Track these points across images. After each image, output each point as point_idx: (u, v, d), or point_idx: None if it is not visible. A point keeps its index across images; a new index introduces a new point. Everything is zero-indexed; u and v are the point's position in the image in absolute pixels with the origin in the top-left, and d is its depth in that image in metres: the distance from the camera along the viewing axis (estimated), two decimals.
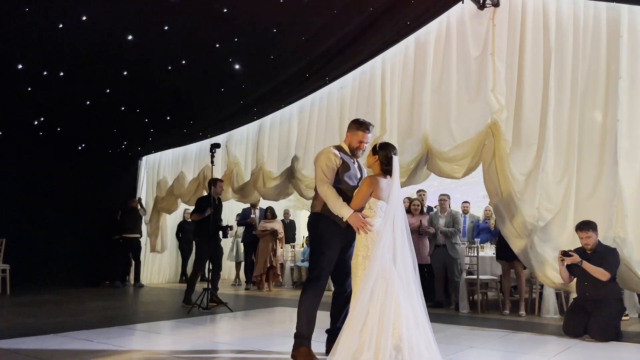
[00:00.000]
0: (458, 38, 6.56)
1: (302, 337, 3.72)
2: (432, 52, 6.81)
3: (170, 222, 10.93)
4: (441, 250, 7.20)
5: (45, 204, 9.35)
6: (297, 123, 8.41)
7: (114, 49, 6.08)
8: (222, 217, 7.80)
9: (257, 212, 10.01)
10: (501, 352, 4.40)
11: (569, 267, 5.07)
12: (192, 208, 10.17)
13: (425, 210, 8.08)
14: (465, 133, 6.29)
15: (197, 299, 6.55)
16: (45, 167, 9.35)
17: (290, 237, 10.72)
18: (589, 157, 5.57)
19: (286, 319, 6.09)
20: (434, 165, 6.60)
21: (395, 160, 3.69)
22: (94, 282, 9.79)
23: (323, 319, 3.91)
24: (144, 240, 10.48)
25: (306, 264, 9.40)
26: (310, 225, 3.89)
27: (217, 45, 6.25)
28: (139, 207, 10.23)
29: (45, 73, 6.46)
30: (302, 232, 11.98)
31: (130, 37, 5.82)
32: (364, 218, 3.58)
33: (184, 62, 6.51)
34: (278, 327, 5.67)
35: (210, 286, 6.78)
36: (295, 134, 8.45)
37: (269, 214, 9.75)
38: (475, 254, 6.94)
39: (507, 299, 6.73)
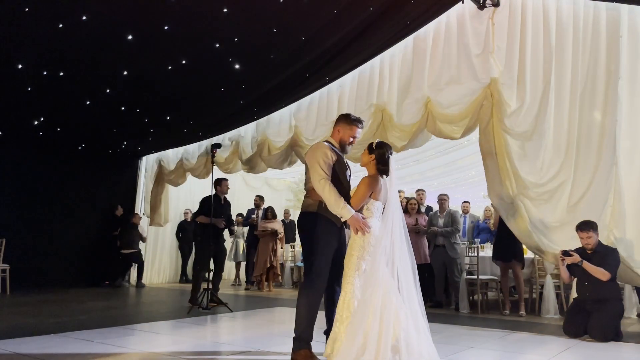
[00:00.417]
0: (458, 38, 6.55)
1: (302, 340, 3.62)
2: (432, 52, 6.79)
3: (173, 218, 10.92)
4: (441, 250, 7.20)
5: (45, 204, 9.35)
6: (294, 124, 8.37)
7: (114, 49, 6.08)
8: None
9: (261, 212, 10.01)
10: (501, 352, 4.40)
11: (569, 267, 5.09)
12: (192, 208, 10.22)
13: (424, 209, 8.08)
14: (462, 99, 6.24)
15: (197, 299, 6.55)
16: (45, 167, 9.35)
17: (290, 237, 10.72)
18: (586, 157, 5.56)
19: (286, 319, 6.08)
20: (434, 127, 6.51)
21: (392, 160, 3.63)
22: (94, 282, 9.79)
23: (321, 319, 3.89)
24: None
25: None
26: (307, 225, 3.71)
27: (217, 45, 6.25)
28: (139, 232, 10.20)
29: (45, 73, 6.46)
30: None
31: (130, 37, 5.82)
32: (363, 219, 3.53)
33: (184, 62, 6.50)
34: (278, 327, 5.67)
35: (210, 286, 6.78)
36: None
37: (269, 214, 9.74)
38: (475, 254, 6.95)
39: (506, 299, 6.73)
